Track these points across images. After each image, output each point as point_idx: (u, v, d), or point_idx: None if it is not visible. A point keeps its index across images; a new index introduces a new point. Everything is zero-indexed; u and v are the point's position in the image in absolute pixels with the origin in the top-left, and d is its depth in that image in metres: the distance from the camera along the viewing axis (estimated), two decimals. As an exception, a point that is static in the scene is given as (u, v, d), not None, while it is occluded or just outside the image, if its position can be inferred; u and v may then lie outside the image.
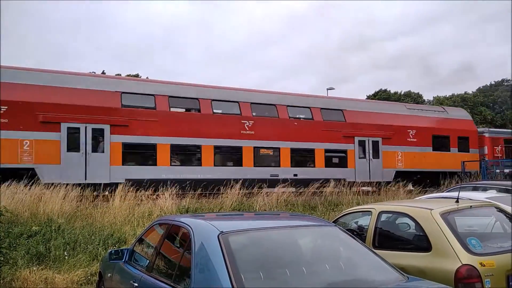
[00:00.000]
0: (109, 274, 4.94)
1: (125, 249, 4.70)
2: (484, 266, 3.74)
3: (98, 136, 15.04)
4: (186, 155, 16.66)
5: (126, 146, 15.42)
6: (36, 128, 14.18)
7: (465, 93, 59.12)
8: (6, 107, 13.81)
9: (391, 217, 5.08)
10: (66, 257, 7.55)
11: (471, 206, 4.74)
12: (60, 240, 8.04)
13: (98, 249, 8.00)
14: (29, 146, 14.06)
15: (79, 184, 13.10)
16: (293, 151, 18.15)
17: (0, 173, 12.77)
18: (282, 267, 3.04)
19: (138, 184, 13.62)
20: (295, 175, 17.78)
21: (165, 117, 16.21)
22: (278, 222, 4.10)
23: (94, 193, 13.14)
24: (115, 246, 8.17)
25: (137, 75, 46.38)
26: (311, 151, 18.54)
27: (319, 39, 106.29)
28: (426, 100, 57.05)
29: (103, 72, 43.57)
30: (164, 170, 15.80)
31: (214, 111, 17.18)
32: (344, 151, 19.22)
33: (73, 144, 14.64)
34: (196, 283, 2.89)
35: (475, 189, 9.23)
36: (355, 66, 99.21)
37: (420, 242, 4.32)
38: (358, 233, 5.18)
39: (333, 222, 5.23)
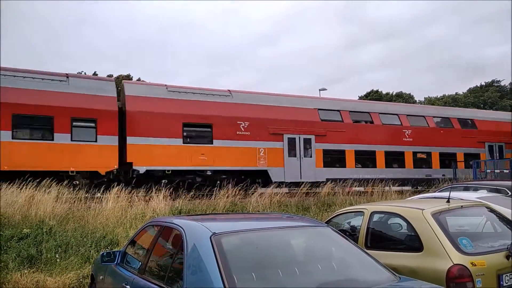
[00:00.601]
0: (101, 277, 4.91)
1: (117, 251, 4.66)
2: (475, 265, 3.77)
3: (307, 144, 19.00)
4: (365, 159, 20.31)
5: (325, 152, 19.31)
6: (267, 138, 18.21)
7: (456, 94, 59.63)
8: (248, 123, 17.85)
9: (383, 217, 5.10)
10: (57, 260, 7.46)
11: (462, 206, 4.77)
12: (52, 242, 7.95)
13: (90, 251, 7.92)
14: (264, 153, 18.07)
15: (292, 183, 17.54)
16: (441, 155, 21.82)
17: (242, 174, 17.18)
18: (275, 267, 3.04)
19: (334, 182, 16.83)
20: (443, 175, 20.78)
21: (350, 128, 20.04)
22: (270, 223, 4.09)
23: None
24: (107, 248, 8.10)
25: (128, 76, 46.15)
26: (454, 155, 22.11)
27: (309, 40, 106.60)
28: (417, 101, 57.43)
29: (94, 73, 43.28)
30: (350, 171, 19.55)
31: (382, 122, 20.98)
32: (477, 155, 22.56)
33: (291, 151, 18.64)
34: (188, 285, 2.88)
35: (466, 189, 9.30)
36: (346, 67, 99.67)
37: (412, 242, 4.34)
38: (351, 234, 5.20)
39: (325, 222, 5.24)
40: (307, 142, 18.97)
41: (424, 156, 21.54)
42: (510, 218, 4.99)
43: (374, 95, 52.45)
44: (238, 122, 17.70)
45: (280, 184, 17.13)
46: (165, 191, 12.35)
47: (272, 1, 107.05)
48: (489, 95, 54.17)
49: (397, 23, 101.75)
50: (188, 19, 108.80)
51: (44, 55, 77.08)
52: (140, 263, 4.00)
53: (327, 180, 17.75)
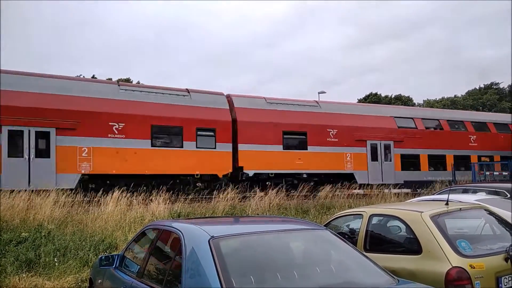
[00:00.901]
0: (99, 281, 4.89)
1: (116, 255, 4.65)
2: (474, 268, 3.77)
3: (387, 149, 20.93)
4: (437, 162, 22.23)
5: (402, 157, 21.23)
6: (353, 144, 20.09)
7: (455, 96, 59.73)
8: (336, 130, 19.83)
9: (382, 220, 5.09)
10: (56, 264, 7.45)
11: (460, 209, 4.75)
12: (50, 246, 7.93)
13: (88, 255, 7.90)
14: (350, 158, 19.95)
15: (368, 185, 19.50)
16: (502, 158, 22.98)
17: (331, 176, 18.95)
18: (273, 271, 3.04)
19: (409, 185, 19.67)
20: (505, 176, 21.97)
21: (423, 134, 22.01)
22: (269, 226, 4.08)
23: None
24: (106, 251, 8.08)
25: (128, 79, 46.17)
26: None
27: (309, 41, 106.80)
28: (416, 104, 57.49)
29: (93, 77, 43.30)
30: (424, 174, 21.60)
31: (450, 128, 22.96)
32: None
33: (374, 156, 20.54)
34: (187, 288, 2.87)
35: (465, 191, 9.29)
36: (345, 69, 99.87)
37: (411, 245, 4.33)
38: (350, 236, 5.19)
39: (325, 225, 5.22)
40: (387, 147, 20.95)
41: (487, 159, 23.14)
42: (509, 221, 4.99)
43: (373, 98, 52.53)
44: (328, 130, 19.74)
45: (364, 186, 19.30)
46: (271, 191, 13.86)
47: (272, 2, 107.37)
48: (487, 97, 54.27)
49: (397, 24, 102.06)
50: (187, 21, 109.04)
51: (44, 56, 77.18)
52: (139, 266, 3.99)
53: (405, 182, 20.33)
